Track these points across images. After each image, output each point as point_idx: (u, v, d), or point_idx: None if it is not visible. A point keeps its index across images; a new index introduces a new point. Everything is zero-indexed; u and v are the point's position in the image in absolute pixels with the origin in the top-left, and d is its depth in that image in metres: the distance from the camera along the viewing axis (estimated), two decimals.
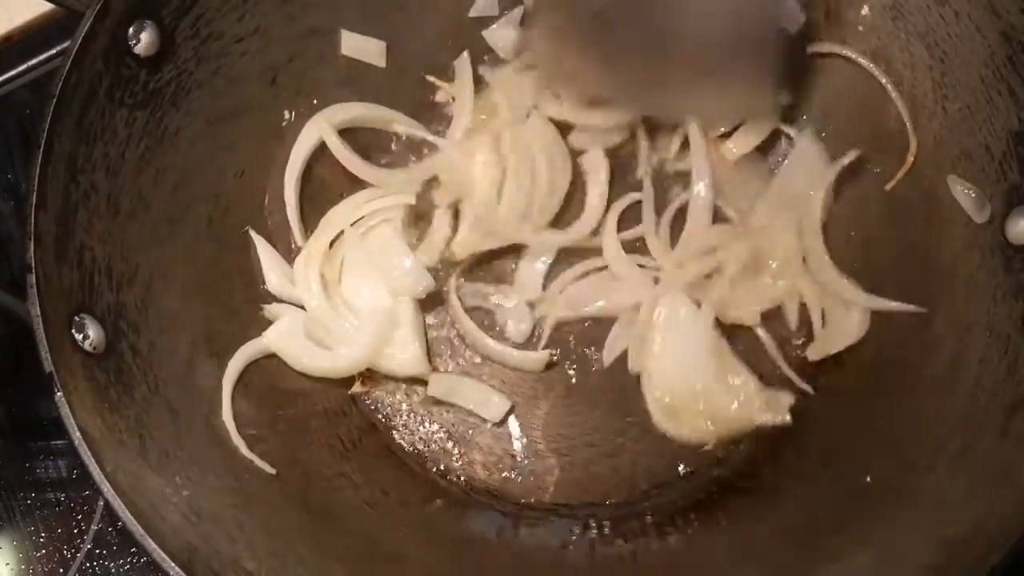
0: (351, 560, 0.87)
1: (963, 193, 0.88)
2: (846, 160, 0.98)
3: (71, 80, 0.82)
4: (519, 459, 0.98)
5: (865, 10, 0.97)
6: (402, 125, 1.06)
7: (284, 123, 1.03)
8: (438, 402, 0.99)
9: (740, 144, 1.02)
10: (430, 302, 1.02)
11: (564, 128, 1.04)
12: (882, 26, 0.96)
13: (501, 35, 1.07)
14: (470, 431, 0.99)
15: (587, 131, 1.03)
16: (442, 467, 0.98)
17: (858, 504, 0.86)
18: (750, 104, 0.99)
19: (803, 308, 0.99)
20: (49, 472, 1.05)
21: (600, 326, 1.00)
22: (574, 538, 0.94)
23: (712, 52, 0.91)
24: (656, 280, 0.99)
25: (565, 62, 0.99)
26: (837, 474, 0.89)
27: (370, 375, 0.99)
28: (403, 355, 0.98)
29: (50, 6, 1.01)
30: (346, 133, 1.04)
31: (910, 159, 0.95)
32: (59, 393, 0.75)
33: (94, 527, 1.02)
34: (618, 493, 0.96)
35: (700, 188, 1.00)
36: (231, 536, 0.80)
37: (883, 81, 0.96)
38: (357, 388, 0.99)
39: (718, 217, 1.02)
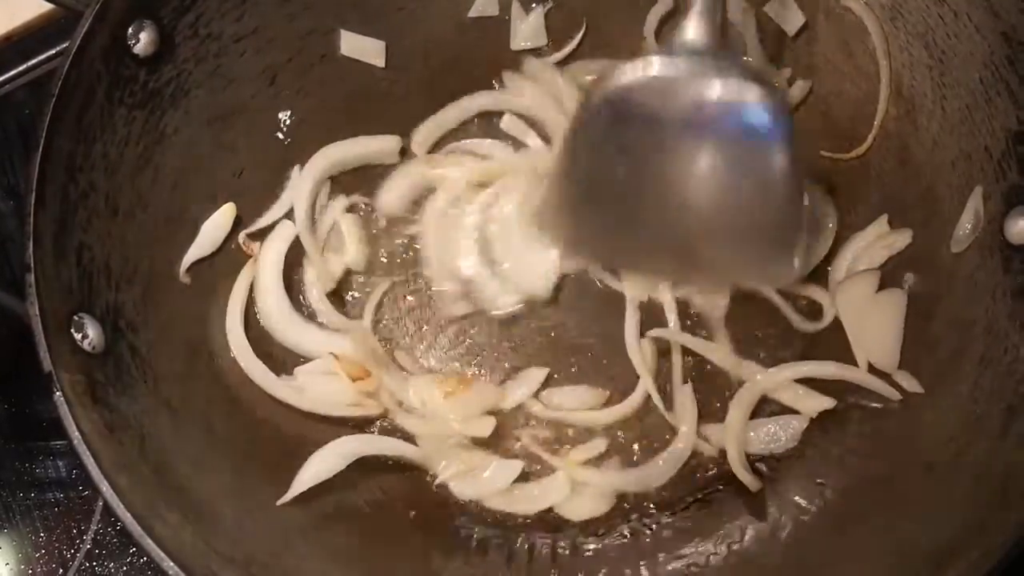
0: (351, 560, 0.87)
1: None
2: None
3: (70, 80, 0.82)
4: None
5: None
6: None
7: (283, 123, 1.03)
8: None
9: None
10: None
11: None
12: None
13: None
14: None
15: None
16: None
17: (857, 504, 0.86)
18: (770, 278, 0.97)
19: None
20: (48, 472, 1.05)
21: None
22: (575, 543, 0.94)
23: (731, 227, 0.90)
24: None
25: (585, 234, 0.98)
26: (836, 474, 0.89)
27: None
28: None
29: (50, 6, 1.01)
30: None
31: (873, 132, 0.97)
32: (58, 393, 0.75)
33: (93, 527, 1.02)
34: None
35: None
36: (231, 536, 0.80)
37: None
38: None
39: None
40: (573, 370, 0.99)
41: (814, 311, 0.98)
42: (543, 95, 1.07)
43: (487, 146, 1.07)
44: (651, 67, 0.82)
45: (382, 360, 0.98)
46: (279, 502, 0.88)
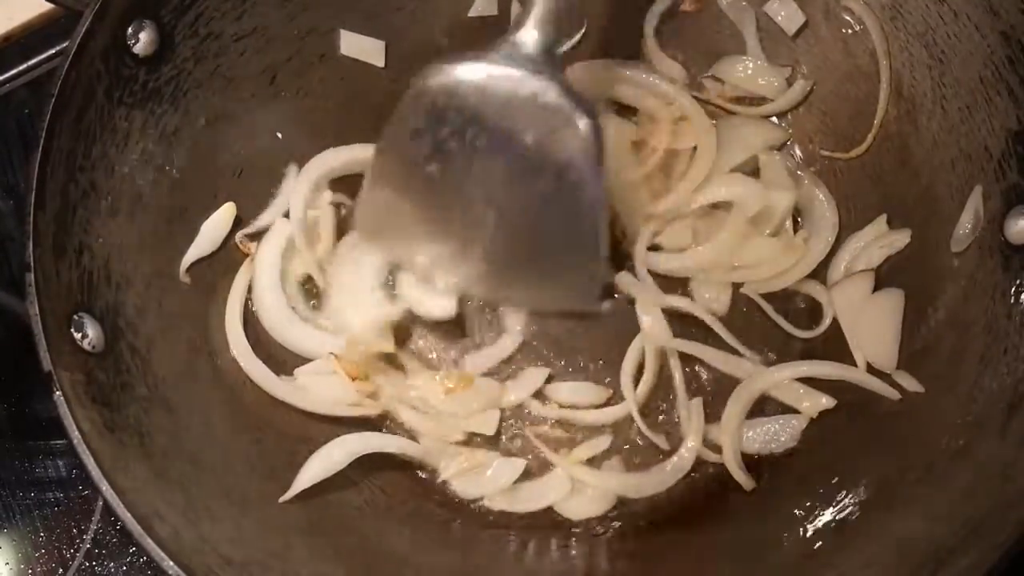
0: (351, 560, 0.87)
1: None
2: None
3: (70, 79, 0.82)
4: None
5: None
6: None
7: (283, 123, 1.03)
8: None
9: None
10: None
11: None
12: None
13: None
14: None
15: None
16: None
17: (857, 504, 0.86)
18: (574, 303, 0.97)
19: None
20: (48, 472, 1.05)
21: None
22: (574, 540, 0.94)
23: (533, 247, 0.90)
24: None
25: (392, 231, 0.96)
26: (836, 474, 0.89)
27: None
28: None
29: (49, 6, 1.01)
30: None
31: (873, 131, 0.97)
32: (58, 392, 0.75)
33: (93, 527, 1.02)
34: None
35: None
36: (231, 536, 0.80)
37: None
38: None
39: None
40: (573, 369, 1.00)
41: (814, 315, 0.98)
42: None
43: None
44: (470, 69, 0.83)
45: (378, 361, 0.98)
46: (280, 500, 0.88)
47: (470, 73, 0.83)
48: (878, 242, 0.96)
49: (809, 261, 0.99)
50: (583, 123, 0.81)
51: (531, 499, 0.94)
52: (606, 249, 0.90)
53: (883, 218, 0.97)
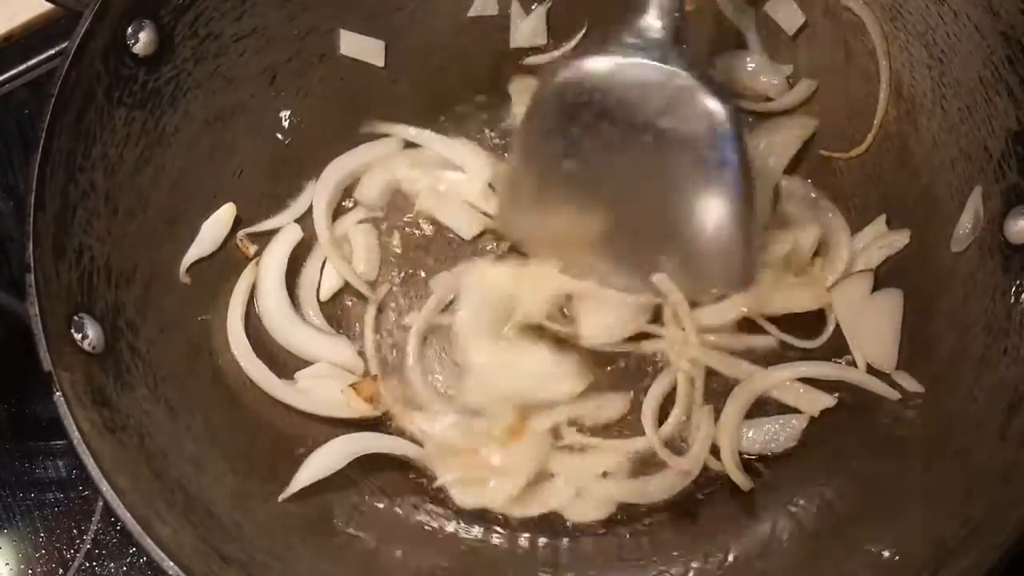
0: (350, 560, 0.87)
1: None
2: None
3: (70, 80, 0.82)
4: None
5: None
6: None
7: (283, 123, 1.03)
8: None
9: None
10: None
11: None
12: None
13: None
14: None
15: None
16: None
17: (857, 504, 0.86)
18: (722, 283, 0.94)
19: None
20: (48, 472, 1.05)
21: None
22: (575, 541, 0.94)
23: (680, 231, 0.89)
24: None
25: (534, 228, 0.96)
26: (835, 474, 0.89)
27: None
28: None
29: (49, 6, 1.01)
30: None
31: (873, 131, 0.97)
32: (58, 393, 0.75)
33: (93, 527, 1.02)
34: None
35: None
36: (231, 536, 0.80)
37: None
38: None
39: None
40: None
41: (815, 322, 0.98)
42: None
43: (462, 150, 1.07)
44: (597, 62, 0.83)
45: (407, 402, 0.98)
46: (280, 498, 0.88)
47: (598, 66, 0.83)
48: (877, 242, 0.96)
49: (821, 292, 0.97)
50: (717, 106, 0.81)
51: (533, 504, 0.93)
52: (752, 229, 0.89)
53: (882, 218, 0.97)
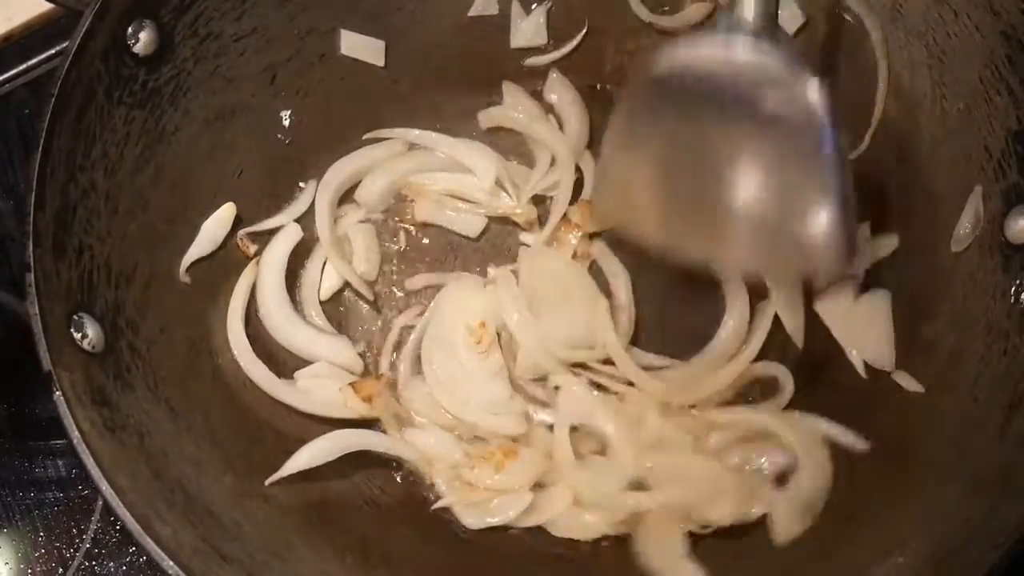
0: (351, 560, 0.87)
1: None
2: None
3: (70, 79, 0.82)
4: None
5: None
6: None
7: (283, 123, 1.03)
8: None
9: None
10: None
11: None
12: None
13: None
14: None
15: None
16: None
17: (857, 504, 0.86)
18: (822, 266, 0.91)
19: None
20: (48, 472, 1.05)
21: None
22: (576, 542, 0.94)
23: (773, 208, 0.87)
24: None
25: (628, 211, 0.95)
26: (835, 474, 0.89)
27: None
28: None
29: (49, 6, 1.01)
30: None
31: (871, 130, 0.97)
32: (58, 392, 0.75)
33: (93, 526, 1.02)
34: None
35: None
36: (231, 534, 0.80)
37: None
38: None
39: None
40: None
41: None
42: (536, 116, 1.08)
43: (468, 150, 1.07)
44: (705, 45, 0.83)
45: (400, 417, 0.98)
46: (268, 480, 0.88)
47: (694, 52, 0.84)
48: (864, 247, 0.96)
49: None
50: (811, 84, 0.80)
51: (530, 514, 0.92)
52: (852, 207, 0.86)
53: (866, 225, 0.97)
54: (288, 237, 1.00)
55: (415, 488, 0.95)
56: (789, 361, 0.98)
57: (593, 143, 1.08)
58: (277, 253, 1.00)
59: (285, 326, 0.98)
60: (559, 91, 1.09)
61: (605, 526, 0.91)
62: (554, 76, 1.09)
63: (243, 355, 0.95)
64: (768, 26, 0.82)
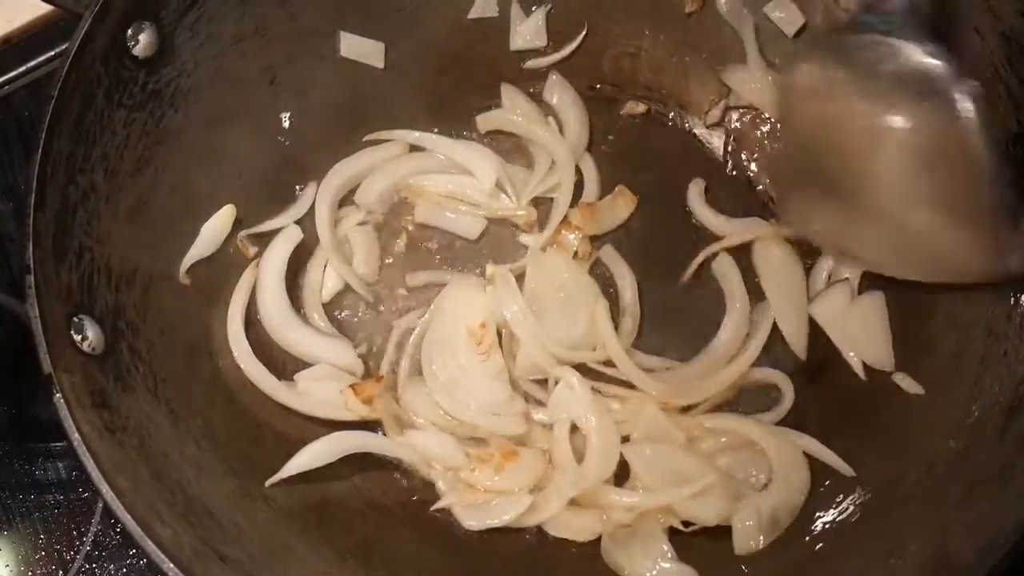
0: (351, 562, 0.87)
1: None
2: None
3: (70, 81, 0.82)
4: None
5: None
6: None
7: (283, 124, 1.03)
8: None
9: None
10: None
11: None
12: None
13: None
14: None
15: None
16: None
17: (857, 505, 0.86)
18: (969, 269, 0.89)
19: None
20: (48, 474, 1.05)
21: None
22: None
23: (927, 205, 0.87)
24: None
25: (817, 223, 0.97)
26: (835, 474, 0.89)
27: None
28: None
29: (49, 8, 1.01)
30: None
31: None
32: (58, 394, 0.75)
33: (93, 529, 1.02)
34: None
35: None
36: (231, 536, 0.80)
37: None
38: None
39: None
40: None
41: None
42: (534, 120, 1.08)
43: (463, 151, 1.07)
44: (850, 40, 0.84)
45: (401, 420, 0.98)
46: (268, 482, 0.88)
47: (846, 44, 0.85)
48: None
49: None
50: (964, 87, 0.81)
51: (530, 516, 0.92)
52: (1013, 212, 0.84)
53: None
54: (288, 239, 1.00)
55: (415, 490, 0.95)
56: (789, 363, 0.98)
57: (593, 145, 1.09)
58: (277, 255, 1.00)
59: (285, 328, 0.98)
60: (559, 93, 1.09)
61: (600, 526, 0.91)
62: (554, 78, 1.10)
63: (243, 357, 0.95)
64: (916, 19, 0.83)
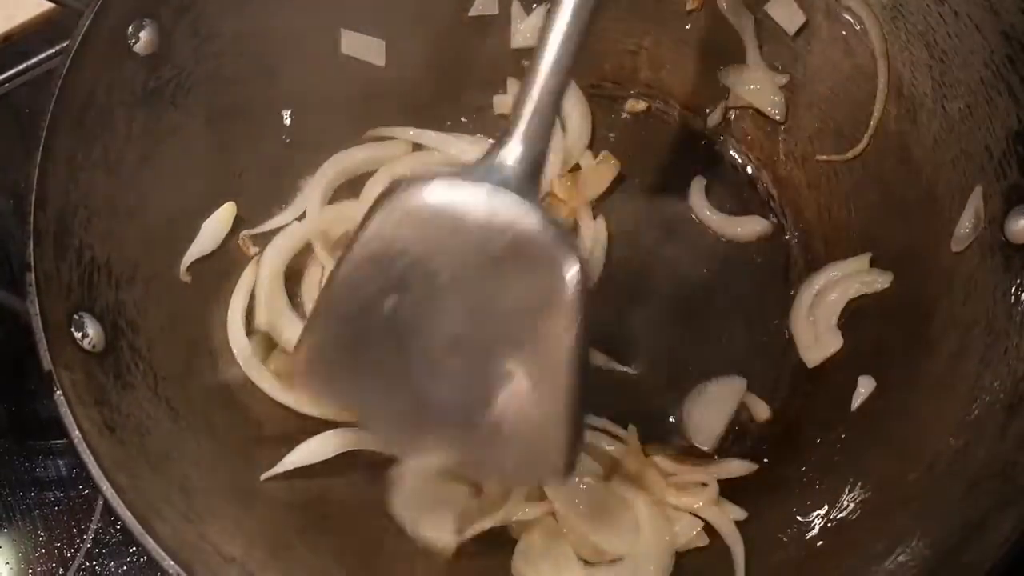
0: (351, 560, 0.87)
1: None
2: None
3: (70, 79, 0.82)
4: None
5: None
6: None
7: (284, 123, 1.03)
8: None
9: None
10: None
11: None
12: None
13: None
14: None
15: None
16: None
17: (857, 504, 0.86)
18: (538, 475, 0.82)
19: None
20: (49, 471, 1.05)
21: None
22: None
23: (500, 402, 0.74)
24: None
25: (344, 373, 0.80)
26: (836, 474, 0.89)
27: None
28: None
29: (50, 5, 1.01)
30: None
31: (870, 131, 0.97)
32: (58, 392, 0.75)
33: (93, 526, 1.02)
34: None
35: None
36: (231, 536, 0.80)
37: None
38: None
39: None
40: None
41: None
42: None
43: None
44: (441, 190, 0.71)
45: None
46: (263, 476, 0.88)
47: (440, 195, 0.71)
48: (859, 277, 0.98)
49: None
50: (569, 266, 0.69)
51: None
52: (581, 411, 0.75)
53: (867, 256, 0.98)
54: (288, 237, 1.00)
55: None
56: (788, 365, 0.98)
57: (594, 142, 1.09)
58: (277, 253, 1.00)
59: (282, 325, 0.98)
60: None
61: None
62: None
63: (243, 355, 0.95)
64: (531, 175, 0.71)
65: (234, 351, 0.95)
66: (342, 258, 0.75)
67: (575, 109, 1.08)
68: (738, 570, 0.87)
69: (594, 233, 1.05)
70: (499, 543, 0.92)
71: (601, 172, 1.06)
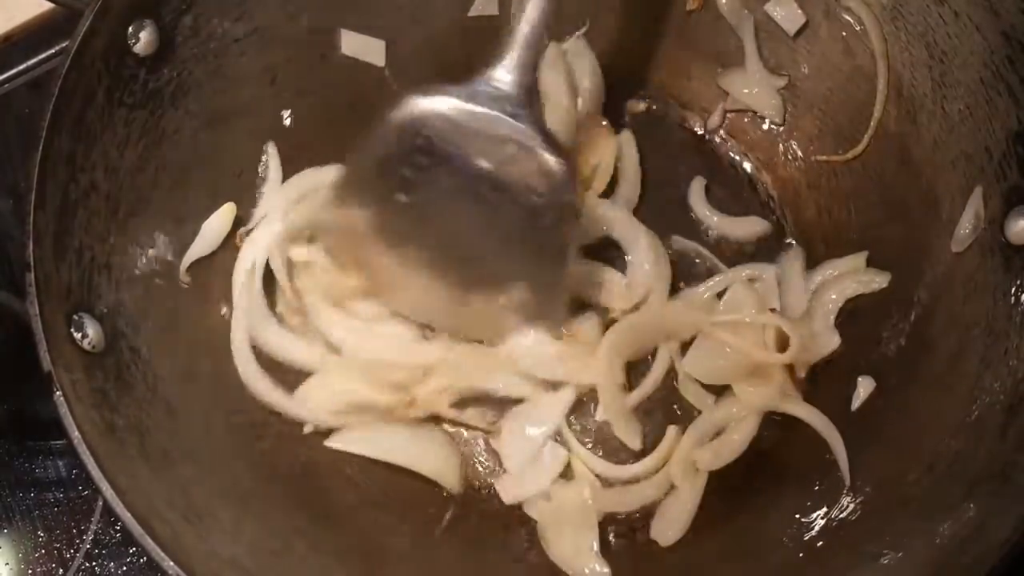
0: (351, 560, 0.87)
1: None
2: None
3: (70, 79, 0.82)
4: None
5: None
6: None
7: (284, 123, 1.03)
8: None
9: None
10: None
11: None
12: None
13: None
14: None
15: None
16: None
17: (857, 504, 0.86)
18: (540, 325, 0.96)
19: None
20: (48, 472, 1.05)
21: None
22: None
23: (500, 272, 0.90)
24: None
25: (359, 254, 0.95)
26: (836, 474, 0.90)
27: None
28: None
29: (50, 5, 1.01)
30: None
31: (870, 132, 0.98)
32: (58, 392, 0.75)
33: (93, 527, 1.02)
34: None
35: None
36: (231, 536, 0.80)
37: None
38: None
39: None
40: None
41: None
42: (556, 80, 1.06)
43: None
44: (443, 102, 0.83)
45: None
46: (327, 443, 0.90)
47: (443, 106, 0.83)
48: (855, 276, 0.97)
49: None
50: (555, 164, 0.82)
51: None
52: (567, 278, 0.91)
53: (863, 255, 0.98)
54: (265, 233, 0.99)
55: (416, 486, 0.95)
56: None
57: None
58: (255, 249, 0.98)
59: (259, 324, 0.97)
60: (578, 59, 1.08)
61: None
62: (578, 43, 1.08)
63: (241, 356, 0.95)
64: (524, 95, 0.83)
65: (233, 352, 0.95)
66: (353, 156, 0.89)
67: (590, 79, 1.08)
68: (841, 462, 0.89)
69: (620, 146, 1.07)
70: (506, 532, 0.93)
71: (597, 143, 1.06)
